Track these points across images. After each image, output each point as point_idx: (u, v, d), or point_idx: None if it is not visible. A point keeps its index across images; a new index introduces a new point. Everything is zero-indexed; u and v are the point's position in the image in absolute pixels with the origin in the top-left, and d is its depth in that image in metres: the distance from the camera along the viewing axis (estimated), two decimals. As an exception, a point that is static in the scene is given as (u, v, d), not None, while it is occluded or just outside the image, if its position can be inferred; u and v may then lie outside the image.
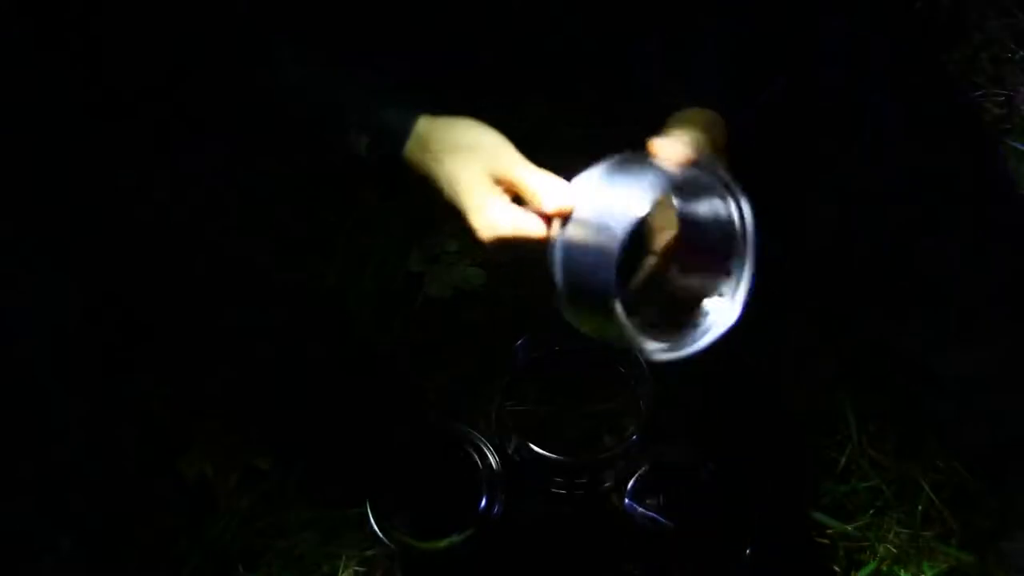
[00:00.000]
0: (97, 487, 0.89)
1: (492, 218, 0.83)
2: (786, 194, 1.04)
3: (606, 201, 0.78)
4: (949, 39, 1.40)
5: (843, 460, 1.15)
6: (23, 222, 0.85)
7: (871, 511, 1.12)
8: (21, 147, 0.85)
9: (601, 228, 0.77)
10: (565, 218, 0.80)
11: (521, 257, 0.85)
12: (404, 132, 0.89)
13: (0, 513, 0.82)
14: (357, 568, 1.13)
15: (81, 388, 0.89)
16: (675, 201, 0.88)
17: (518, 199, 0.84)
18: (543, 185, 0.82)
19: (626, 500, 1.10)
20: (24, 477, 0.84)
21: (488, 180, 0.84)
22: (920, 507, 1.12)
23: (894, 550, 1.10)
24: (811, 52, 0.96)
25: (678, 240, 0.88)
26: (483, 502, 1.11)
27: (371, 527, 1.12)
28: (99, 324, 0.90)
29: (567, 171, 0.83)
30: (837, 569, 1.10)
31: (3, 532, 0.83)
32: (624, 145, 0.82)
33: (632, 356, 0.99)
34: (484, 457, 1.13)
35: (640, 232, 0.85)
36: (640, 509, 1.11)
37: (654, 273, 0.90)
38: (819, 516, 1.12)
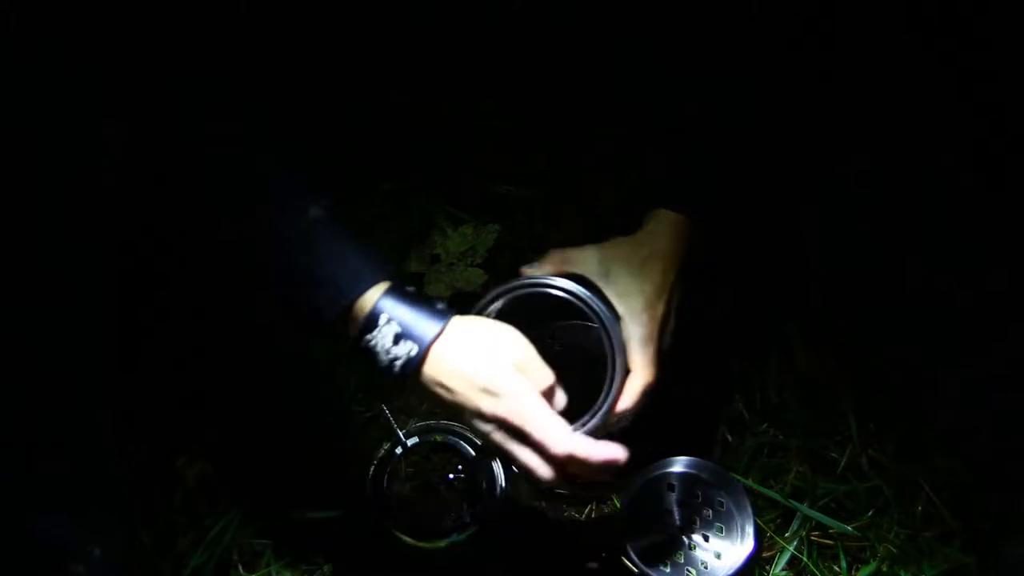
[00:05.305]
0: (124, 495, 0.89)
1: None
2: (785, 202, 1.04)
3: None
4: (949, 39, 1.40)
5: (843, 460, 1.15)
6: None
7: (871, 511, 1.12)
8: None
9: None
10: None
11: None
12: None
13: (33, 523, 0.82)
14: (357, 568, 1.13)
15: (103, 388, 0.88)
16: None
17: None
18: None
19: (626, 500, 1.10)
20: (55, 487, 0.84)
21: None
22: (920, 507, 1.12)
23: (894, 550, 1.10)
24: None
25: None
26: (482, 502, 1.12)
27: (371, 526, 1.12)
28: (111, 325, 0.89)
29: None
30: (837, 569, 1.10)
31: (36, 542, 0.83)
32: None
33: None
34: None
35: None
36: (640, 510, 1.11)
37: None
38: (819, 516, 1.12)
